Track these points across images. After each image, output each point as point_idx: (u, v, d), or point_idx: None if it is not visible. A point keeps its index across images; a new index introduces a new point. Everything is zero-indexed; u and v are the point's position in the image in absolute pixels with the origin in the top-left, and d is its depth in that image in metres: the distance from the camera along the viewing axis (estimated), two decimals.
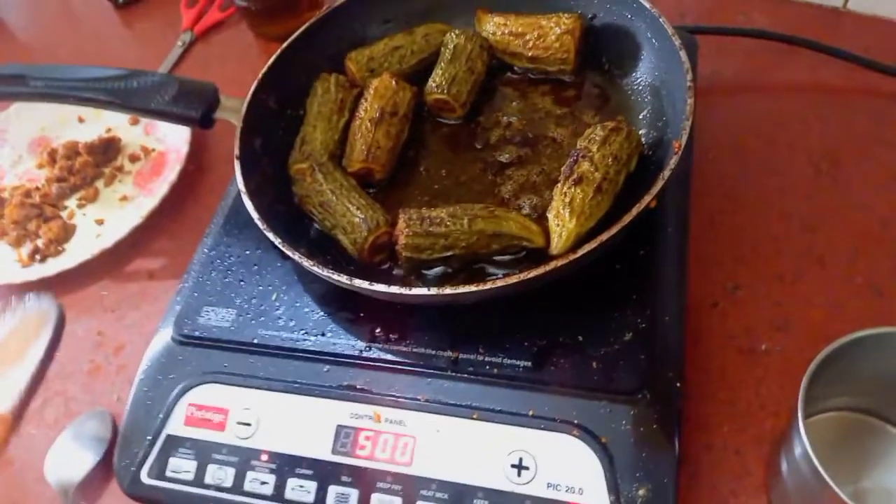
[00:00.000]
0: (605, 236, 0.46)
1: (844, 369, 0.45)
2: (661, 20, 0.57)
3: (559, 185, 0.52)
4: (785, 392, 0.52)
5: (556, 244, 0.50)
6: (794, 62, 0.70)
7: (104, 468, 0.56)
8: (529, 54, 0.63)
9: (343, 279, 0.48)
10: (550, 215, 0.52)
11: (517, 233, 0.52)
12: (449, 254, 0.52)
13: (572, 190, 0.51)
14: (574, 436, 0.47)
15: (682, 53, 0.54)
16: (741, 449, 0.51)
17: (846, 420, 0.50)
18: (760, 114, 0.67)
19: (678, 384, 0.49)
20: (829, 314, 0.55)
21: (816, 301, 0.56)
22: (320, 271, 0.49)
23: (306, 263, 0.50)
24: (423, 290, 0.47)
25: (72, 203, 0.75)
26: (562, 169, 0.53)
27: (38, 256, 0.69)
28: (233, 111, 0.60)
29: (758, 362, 0.54)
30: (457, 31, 0.64)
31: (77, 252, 0.69)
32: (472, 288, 0.46)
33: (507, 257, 0.53)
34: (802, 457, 0.41)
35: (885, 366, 0.45)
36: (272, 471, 0.49)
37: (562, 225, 0.51)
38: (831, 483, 0.39)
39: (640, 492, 0.45)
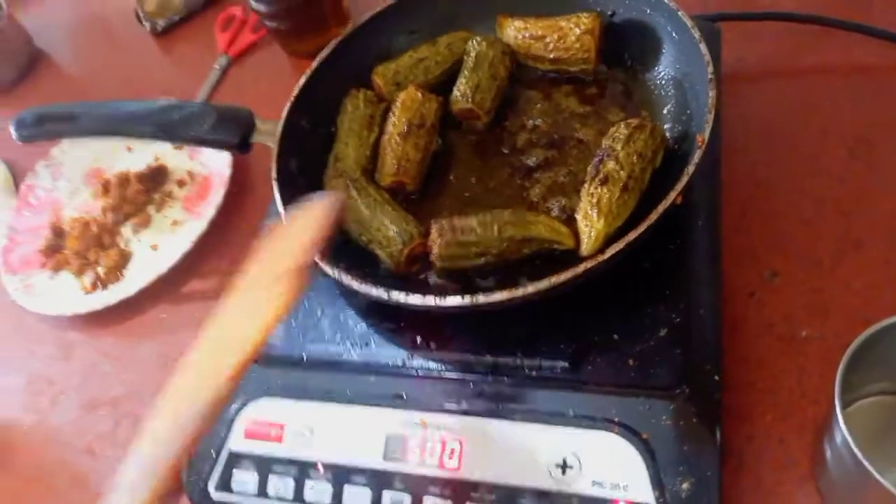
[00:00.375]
0: (632, 236, 0.47)
1: (882, 354, 0.45)
2: (679, 13, 0.57)
3: (585, 185, 0.54)
4: (825, 379, 0.52)
5: (586, 245, 0.52)
6: (824, 43, 0.69)
7: None
8: (551, 56, 0.64)
9: (380, 293, 0.50)
10: (579, 216, 0.53)
11: (547, 236, 0.53)
12: (482, 260, 0.53)
13: (599, 190, 0.52)
14: (615, 433, 0.48)
15: (703, 46, 0.54)
16: (785, 438, 0.51)
17: (888, 404, 0.50)
18: (790, 99, 0.67)
19: (716, 377, 0.49)
20: (868, 298, 0.55)
21: (855, 286, 0.56)
22: (358, 286, 0.51)
23: (345, 279, 0.52)
24: (457, 300, 0.48)
25: (127, 230, 0.79)
26: (587, 169, 0.54)
27: (99, 284, 0.74)
28: (268, 134, 0.63)
29: (798, 350, 0.54)
30: (478, 39, 0.65)
31: (136, 278, 0.73)
32: (505, 295, 0.47)
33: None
34: (843, 445, 0.41)
35: None
36: (329, 480, 0.52)
37: (590, 226, 0.52)
38: (873, 471, 0.39)
39: (684, 486, 0.46)
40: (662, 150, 0.55)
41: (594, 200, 0.52)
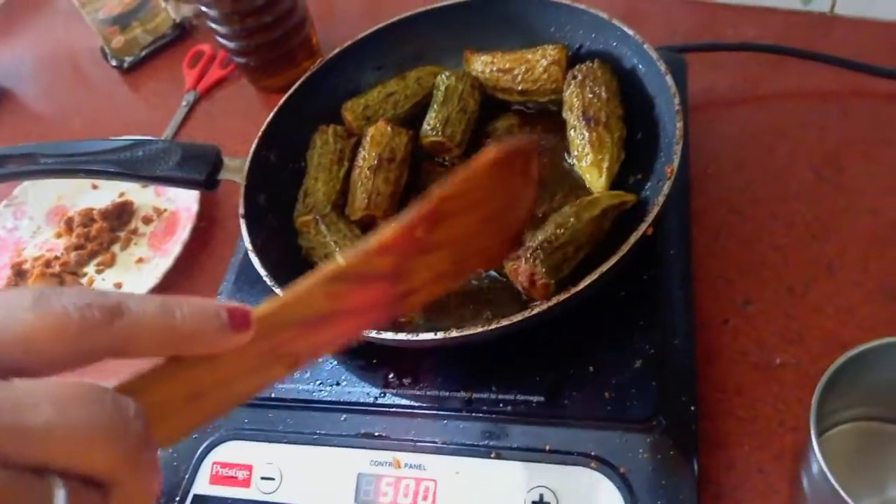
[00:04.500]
0: (604, 267, 0.47)
1: (857, 380, 0.44)
2: (645, 46, 0.58)
3: (576, 143, 0.59)
4: (803, 405, 0.51)
5: (604, 180, 0.57)
6: (786, 71, 0.71)
7: None
8: (519, 88, 0.64)
9: None
10: (585, 164, 0.58)
11: (614, 202, 0.55)
12: (582, 255, 0.53)
13: (593, 135, 0.58)
14: (592, 468, 0.47)
15: (668, 78, 0.55)
16: (764, 467, 0.50)
17: (865, 430, 0.49)
18: (757, 125, 0.68)
19: (692, 407, 0.49)
20: (842, 322, 0.55)
21: (828, 310, 0.56)
22: None
23: None
24: (429, 335, 0.47)
25: (90, 269, 0.77)
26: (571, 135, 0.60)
27: None
28: (236, 171, 0.62)
29: (773, 377, 0.54)
30: (447, 73, 0.66)
31: None
32: (478, 329, 0.47)
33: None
34: (819, 474, 0.41)
35: None
36: None
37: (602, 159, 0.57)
38: (849, 500, 0.38)
39: None
40: (616, 78, 0.61)
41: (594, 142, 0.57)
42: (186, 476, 0.53)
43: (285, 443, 0.52)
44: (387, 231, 0.32)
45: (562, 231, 0.52)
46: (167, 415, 0.27)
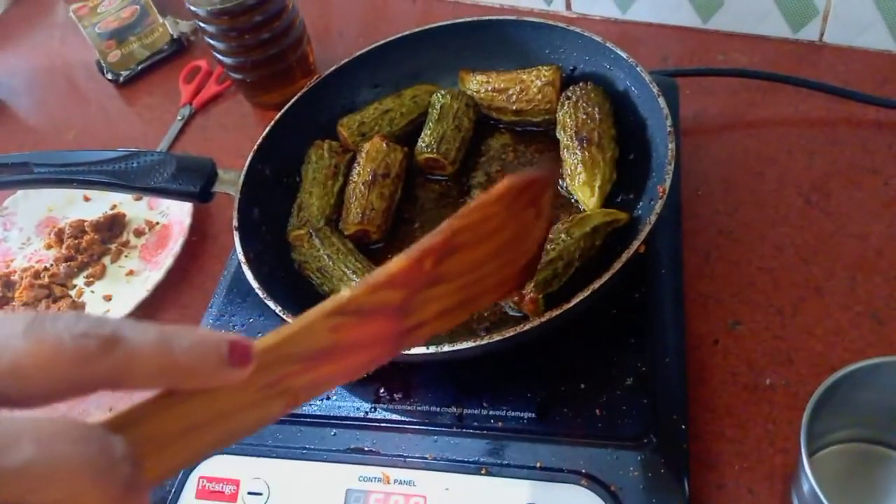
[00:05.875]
0: (596, 285, 0.47)
1: (846, 400, 0.45)
2: (638, 69, 0.59)
3: (569, 162, 0.60)
4: (793, 426, 0.52)
5: (596, 200, 0.58)
6: (775, 97, 0.72)
7: None
8: (514, 108, 0.65)
9: None
10: (578, 184, 0.59)
11: (606, 219, 0.55)
12: (571, 271, 0.53)
13: (586, 154, 0.59)
14: (583, 485, 0.47)
15: (661, 100, 0.56)
16: (754, 488, 0.50)
17: (855, 451, 0.49)
18: (747, 149, 0.69)
19: (683, 426, 0.49)
20: (831, 344, 0.55)
21: (817, 332, 0.56)
22: None
23: None
24: (421, 349, 0.47)
25: (80, 281, 0.77)
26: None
27: None
28: (230, 184, 0.62)
29: (763, 397, 0.54)
30: (443, 92, 0.66)
31: None
32: (471, 344, 0.47)
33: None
34: (811, 495, 0.41)
35: (888, 393, 0.45)
36: None
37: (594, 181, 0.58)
38: None
39: None
40: (608, 100, 0.62)
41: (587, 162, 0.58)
42: (172, 491, 0.52)
43: (273, 457, 0.52)
44: (395, 263, 0.30)
45: (552, 247, 0.53)
46: (159, 449, 0.26)
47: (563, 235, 0.54)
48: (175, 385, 0.26)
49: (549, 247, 0.53)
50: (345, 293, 0.30)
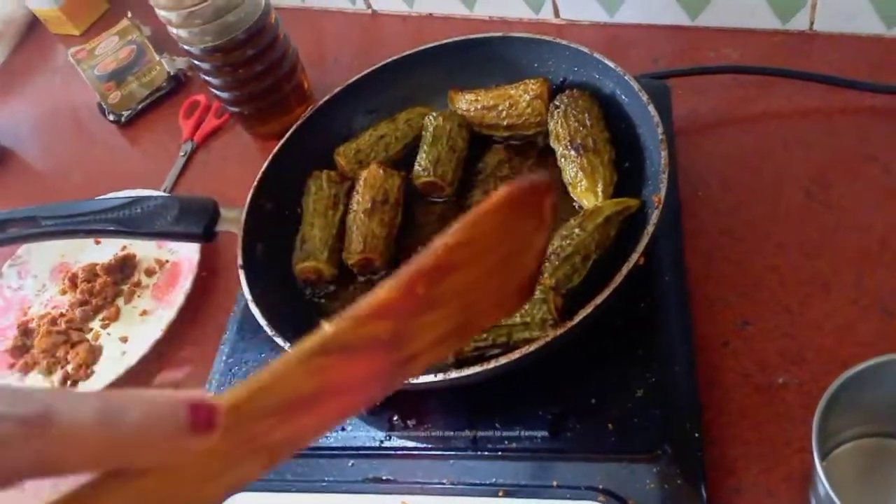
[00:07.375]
0: (598, 300, 0.47)
1: (859, 398, 0.44)
2: (626, 77, 0.59)
3: (567, 171, 0.60)
4: (808, 425, 0.51)
5: (602, 196, 0.58)
6: (769, 91, 0.72)
7: None
8: (505, 123, 0.66)
9: None
10: (581, 188, 0.59)
11: (618, 209, 0.55)
12: (589, 264, 0.54)
13: (583, 161, 0.59)
14: (600, 501, 0.47)
15: (651, 108, 0.56)
16: (773, 490, 0.50)
17: (871, 447, 0.49)
18: (743, 146, 0.68)
19: (696, 434, 0.49)
20: (841, 339, 0.55)
21: (826, 328, 0.56)
22: None
23: None
24: (429, 377, 0.48)
25: (96, 324, 0.78)
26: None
27: (69, 382, 0.72)
28: (233, 222, 0.63)
29: (776, 397, 0.54)
30: (434, 114, 0.67)
31: (105, 373, 0.72)
32: (477, 369, 0.47)
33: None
34: (825, 496, 0.41)
35: None
36: None
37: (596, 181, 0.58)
38: None
39: None
40: (597, 103, 0.62)
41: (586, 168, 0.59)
42: None
43: (294, 491, 0.53)
44: (381, 291, 0.27)
45: (567, 243, 0.53)
46: None
47: (576, 230, 0.54)
48: (123, 464, 0.22)
49: (563, 243, 0.53)
50: (327, 329, 0.26)
